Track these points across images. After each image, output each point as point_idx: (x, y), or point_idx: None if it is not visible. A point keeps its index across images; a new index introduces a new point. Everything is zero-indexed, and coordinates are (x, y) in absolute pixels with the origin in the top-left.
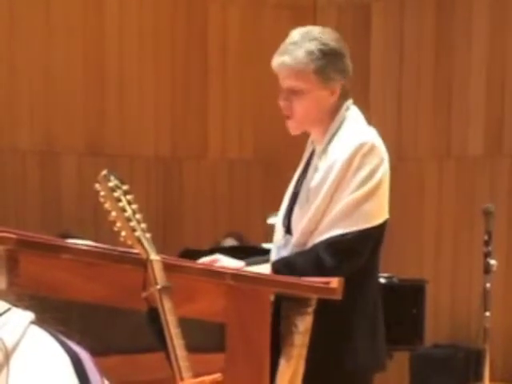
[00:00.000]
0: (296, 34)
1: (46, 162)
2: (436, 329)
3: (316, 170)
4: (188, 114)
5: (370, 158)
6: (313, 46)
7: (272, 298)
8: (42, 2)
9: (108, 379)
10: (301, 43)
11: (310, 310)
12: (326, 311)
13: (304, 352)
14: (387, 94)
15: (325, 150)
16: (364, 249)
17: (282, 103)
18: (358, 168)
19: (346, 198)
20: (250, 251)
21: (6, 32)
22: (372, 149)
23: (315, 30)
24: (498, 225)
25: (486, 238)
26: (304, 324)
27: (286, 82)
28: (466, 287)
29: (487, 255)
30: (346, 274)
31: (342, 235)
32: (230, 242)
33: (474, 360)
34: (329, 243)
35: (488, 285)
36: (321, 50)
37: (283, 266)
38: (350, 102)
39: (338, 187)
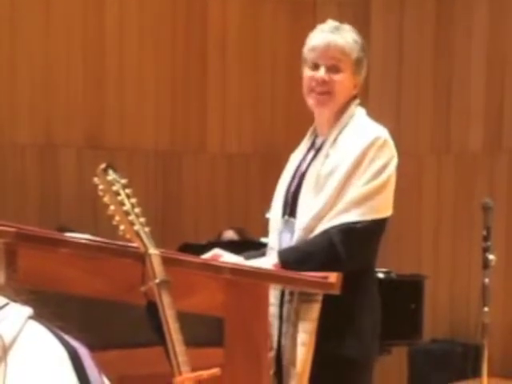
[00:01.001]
0: (334, 23)
1: (45, 156)
2: (434, 324)
3: (327, 156)
4: (187, 109)
5: (385, 151)
6: (356, 37)
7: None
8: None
9: (106, 374)
10: (346, 30)
11: (319, 297)
12: (329, 304)
13: (312, 339)
14: (387, 90)
15: (336, 139)
16: (374, 238)
17: (320, 76)
18: (373, 160)
19: (359, 188)
20: (248, 245)
21: (6, 27)
22: (386, 143)
23: (348, 26)
24: (496, 220)
25: (484, 233)
26: (314, 311)
27: (331, 59)
28: (465, 282)
29: (486, 250)
30: (357, 261)
31: (354, 223)
32: (230, 235)
33: (472, 355)
34: (341, 229)
35: (487, 280)
36: (361, 44)
37: (293, 252)
38: (358, 100)
39: (351, 177)
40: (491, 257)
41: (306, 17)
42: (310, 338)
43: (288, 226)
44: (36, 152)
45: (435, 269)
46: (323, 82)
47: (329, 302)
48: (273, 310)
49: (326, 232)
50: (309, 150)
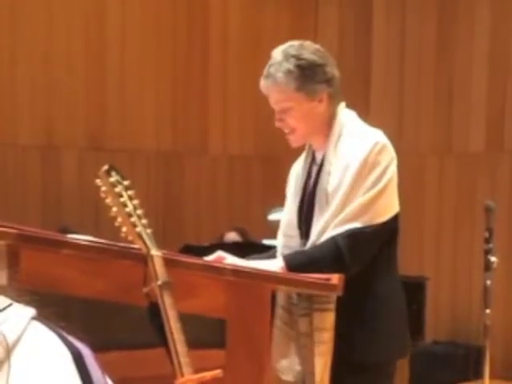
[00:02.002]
0: (276, 53)
1: (47, 157)
2: (436, 326)
3: (329, 173)
4: (189, 110)
5: (384, 156)
6: (290, 64)
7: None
8: None
9: (109, 374)
10: (279, 64)
11: (331, 306)
12: (347, 304)
13: (329, 348)
14: (388, 90)
15: (334, 153)
16: (378, 243)
17: (277, 124)
18: (373, 166)
19: (362, 196)
20: (251, 247)
21: (7, 27)
22: (384, 148)
23: (293, 46)
24: (498, 222)
25: (486, 234)
26: (328, 320)
27: (275, 105)
28: (467, 284)
29: (488, 252)
30: (360, 267)
31: (359, 228)
32: (232, 237)
33: (474, 357)
34: (347, 235)
35: (488, 282)
36: (298, 66)
37: (301, 256)
38: (342, 105)
39: (354, 186)
40: (493, 259)
41: (308, 17)
42: (327, 347)
43: (303, 246)
44: (37, 153)
45: (437, 270)
46: (281, 128)
47: (339, 308)
48: (286, 329)
49: (332, 238)
50: (311, 166)
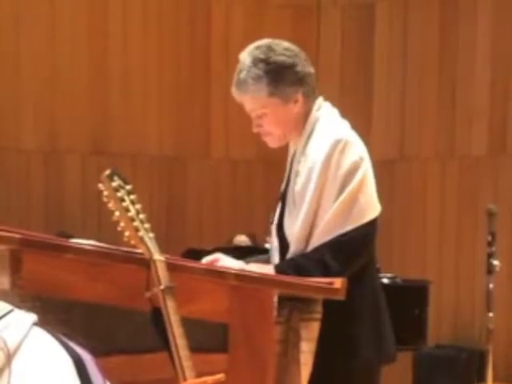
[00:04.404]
0: (244, 57)
1: (50, 162)
2: (439, 329)
3: (297, 174)
4: (191, 114)
5: (348, 154)
6: (259, 70)
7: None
8: (46, 1)
9: (110, 379)
10: (248, 70)
11: (315, 316)
12: (324, 309)
13: (311, 358)
14: (391, 94)
15: (303, 153)
16: (364, 246)
17: (255, 130)
18: (338, 166)
19: (337, 201)
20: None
21: (11, 32)
22: (347, 145)
23: (261, 49)
24: (501, 225)
25: (489, 238)
26: (314, 330)
27: (250, 112)
28: (469, 288)
29: (490, 256)
30: (349, 274)
31: (342, 235)
32: (242, 240)
33: (476, 361)
34: (330, 245)
35: (491, 285)
36: (268, 72)
37: (288, 268)
38: (320, 100)
39: (322, 188)
40: (495, 262)
41: (310, 21)
42: (310, 357)
43: (276, 247)
44: (41, 158)
45: (439, 274)
46: (259, 132)
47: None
48: None
49: (316, 250)
50: (291, 167)
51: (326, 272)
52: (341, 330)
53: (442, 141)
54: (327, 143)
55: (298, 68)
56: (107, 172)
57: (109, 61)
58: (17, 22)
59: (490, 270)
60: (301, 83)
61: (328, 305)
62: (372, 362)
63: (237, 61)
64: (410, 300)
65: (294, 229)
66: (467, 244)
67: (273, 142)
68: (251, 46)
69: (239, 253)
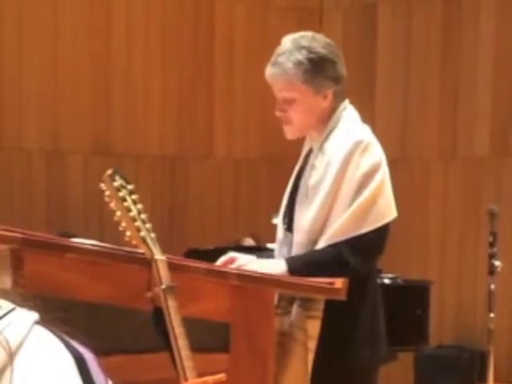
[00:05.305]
0: (286, 42)
1: (52, 162)
2: (441, 329)
3: (313, 168)
4: (194, 114)
5: (368, 156)
6: (301, 55)
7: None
8: (49, 2)
9: (112, 379)
10: (290, 53)
11: (319, 314)
12: (325, 310)
13: (312, 356)
14: (393, 95)
15: (321, 149)
16: (382, 247)
17: (278, 113)
18: (357, 166)
19: (355, 202)
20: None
21: (14, 33)
22: (368, 147)
23: (306, 38)
24: (503, 226)
25: (490, 239)
26: (316, 328)
27: (279, 93)
28: (471, 288)
29: (492, 256)
30: (365, 273)
31: (362, 235)
32: (249, 242)
33: (478, 361)
34: (349, 242)
35: (493, 286)
36: (310, 59)
37: (300, 263)
38: (346, 102)
39: (339, 186)
40: (497, 263)
41: (313, 23)
42: (311, 355)
43: (286, 239)
44: (43, 158)
45: (441, 274)
46: (280, 118)
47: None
48: None
49: (334, 246)
50: (305, 161)
51: (343, 267)
52: (341, 329)
53: (444, 141)
54: (348, 143)
55: (338, 66)
56: (109, 172)
57: (111, 61)
58: (19, 22)
59: (491, 270)
60: (336, 81)
61: (329, 304)
62: (370, 362)
63: (240, 62)
64: (411, 300)
65: (304, 220)
66: (469, 244)
67: (291, 133)
68: (294, 34)
69: (241, 252)
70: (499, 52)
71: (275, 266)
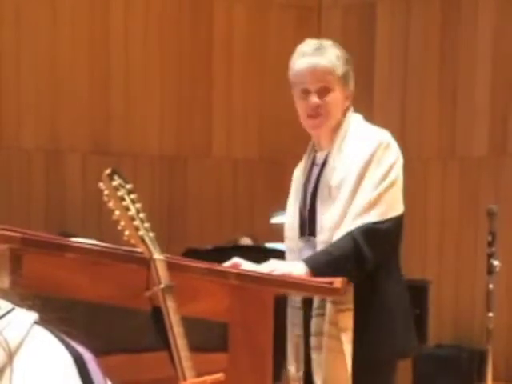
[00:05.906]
0: (314, 42)
1: (51, 161)
2: (439, 329)
3: (334, 169)
4: (193, 113)
5: (389, 153)
6: (338, 52)
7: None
8: (47, 2)
9: (111, 378)
10: (326, 48)
11: (349, 306)
12: (360, 302)
13: (349, 348)
14: (392, 94)
15: (339, 150)
16: (395, 236)
17: (317, 100)
18: (379, 163)
19: (373, 190)
20: (253, 251)
21: (12, 32)
22: (390, 146)
23: (328, 43)
24: (502, 225)
25: (489, 238)
26: (349, 320)
27: (318, 82)
28: (470, 288)
29: (490, 256)
30: (381, 260)
31: (375, 223)
32: (246, 242)
33: (477, 360)
34: (364, 230)
35: (491, 286)
36: (344, 57)
37: (321, 263)
38: (352, 108)
39: (361, 182)
40: (496, 262)
41: (312, 22)
42: (350, 347)
43: (309, 244)
44: (42, 157)
45: (440, 274)
46: (317, 106)
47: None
48: (297, 330)
49: (348, 234)
50: (311, 168)
51: (360, 256)
52: (378, 321)
53: (442, 141)
54: (372, 142)
55: (352, 74)
56: (108, 171)
57: (110, 60)
58: (18, 21)
59: (490, 270)
60: (353, 85)
61: (361, 296)
62: (406, 352)
63: (239, 61)
64: (410, 300)
65: (329, 217)
66: (468, 244)
67: (319, 125)
68: (314, 39)
69: (239, 252)
70: (498, 52)
71: (295, 269)
